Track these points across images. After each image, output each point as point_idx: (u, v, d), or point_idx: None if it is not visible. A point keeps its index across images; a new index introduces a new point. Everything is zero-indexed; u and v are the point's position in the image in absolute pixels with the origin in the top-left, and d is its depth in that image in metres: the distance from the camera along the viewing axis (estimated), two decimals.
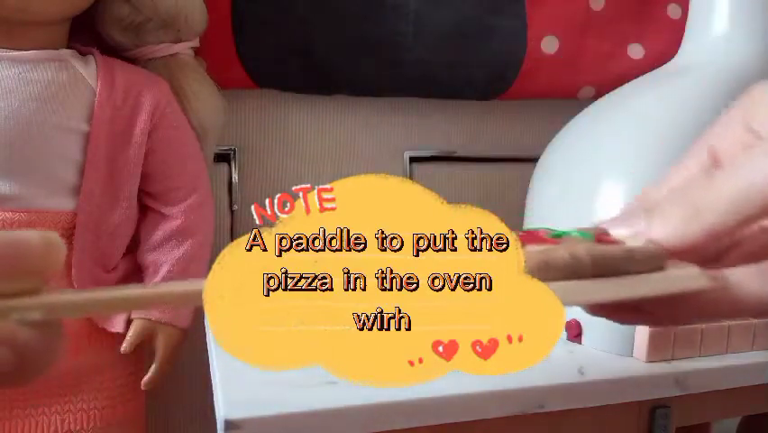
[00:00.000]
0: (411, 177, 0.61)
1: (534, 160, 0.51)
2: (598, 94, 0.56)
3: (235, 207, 0.57)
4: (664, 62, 0.49)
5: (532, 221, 0.49)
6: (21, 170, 0.42)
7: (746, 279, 0.22)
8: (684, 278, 0.21)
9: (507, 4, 0.57)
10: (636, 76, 0.50)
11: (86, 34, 0.48)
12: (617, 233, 0.24)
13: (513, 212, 0.53)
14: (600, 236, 0.22)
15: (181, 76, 0.49)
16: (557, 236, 0.22)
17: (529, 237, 0.21)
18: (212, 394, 0.35)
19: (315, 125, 0.58)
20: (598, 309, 0.24)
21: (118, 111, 0.45)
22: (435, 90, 0.58)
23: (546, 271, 0.19)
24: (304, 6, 0.53)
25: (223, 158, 0.56)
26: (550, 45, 0.58)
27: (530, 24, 0.57)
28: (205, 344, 0.42)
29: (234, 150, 0.57)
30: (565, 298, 0.19)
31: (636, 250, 0.21)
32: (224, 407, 0.31)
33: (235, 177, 0.57)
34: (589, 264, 0.19)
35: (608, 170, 0.42)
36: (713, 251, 0.23)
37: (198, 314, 0.49)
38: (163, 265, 0.46)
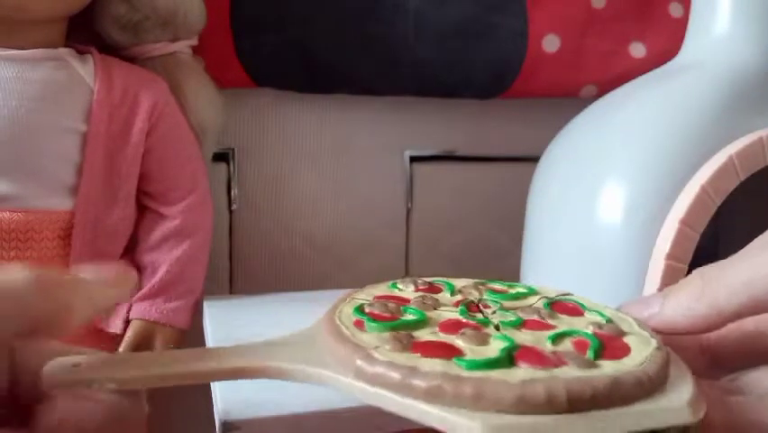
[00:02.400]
0: (411, 176, 0.61)
1: (535, 159, 0.51)
2: (600, 93, 0.56)
3: (234, 207, 0.57)
4: (666, 61, 0.49)
5: (533, 220, 0.49)
6: (18, 170, 0.42)
7: (750, 407, 0.21)
8: (669, 412, 0.20)
9: (507, 3, 0.56)
10: (638, 74, 0.49)
11: (84, 33, 0.48)
12: (633, 315, 0.24)
13: (514, 212, 0.53)
14: (608, 343, 0.22)
15: (180, 75, 0.49)
16: (558, 339, 0.22)
17: (527, 354, 0.21)
18: (211, 395, 0.34)
19: (314, 125, 0.58)
20: None
21: (116, 110, 0.45)
22: (436, 89, 0.58)
23: (521, 408, 0.19)
24: (303, 5, 0.53)
25: (221, 157, 0.56)
26: (551, 44, 0.57)
27: (531, 23, 0.57)
28: (204, 344, 0.42)
29: (233, 149, 0.56)
30: None
31: (624, 380, 0.20)
32: (223, 408, 0.31)
33: (234, 176, 0.56)
34: (565, 404, 0.19)
35: (610, 169, 0.42)
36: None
37: (197, 314, 0.48)
38: (161, 265, 0.46)
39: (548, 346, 0.22)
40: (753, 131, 0.41)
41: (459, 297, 0.27)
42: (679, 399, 0.20)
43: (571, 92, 0.60)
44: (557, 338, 0.22)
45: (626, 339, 0.23)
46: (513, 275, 0.51)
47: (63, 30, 0.46)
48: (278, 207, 0.58)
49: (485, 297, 0.27)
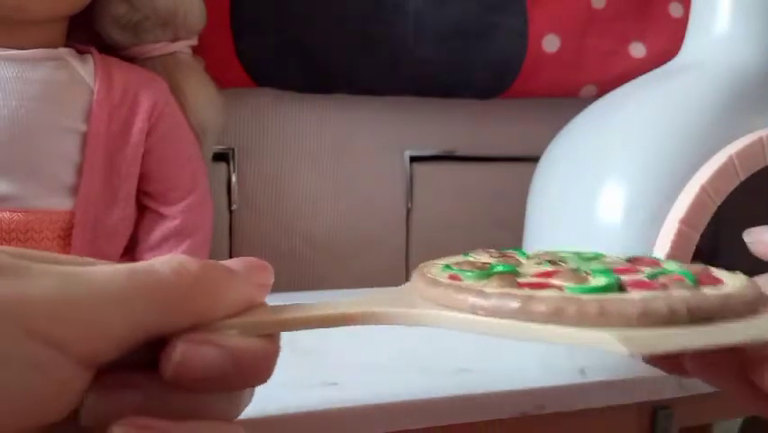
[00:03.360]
0: (411, 176, 0.61)
1: (535, 159, 0.51)
2: (600, 93, 0.56)
3: (234, 207, 0.57)
4: (666, 61, 0.49)
5: (533, 220, 0.49)
6: (18, 170, 0.42)
7: None
8: None
9: (507, 3, 0.56)
10: (638, 74, 0.50)
11: (84, 33, 0.48)
12: (746, 236, 0.25)
13: (514, 211, 0.53)
14: (702, 276, 0.23)
15: (180, 75, 0.49)
16: (655, 277, 0.22)
17: (635, 283, 0.21)
18: None
19: (314, 125, 0.58)
20: (696, 363, 0.24)
21: (116, 110, 0.45)
22: (436, 89, 0.58)
23: (645, 321, 0.19)
24: (303, 5, 0.53)
25: (221, 157, 0.56)
26: (551, 44, 0.57)
27: (531, 23, 0.57)
28: None
29: (233, 149, 0.56)
30: (659, 345, 0.19)
31: (733, 296, 0.21)
32: None
33: (234, 176, 0.56)
34: (686, 316, 0.20)
35: (610, 169, 0.42)
36: None
37: None
38: None
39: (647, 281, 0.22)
40: (753, 131, 0.41)
41: (536, 259, 0.27)
42: None
43: (571, 92, 0.60)
44: (653, 276, 0.23)
45: (715, 274, 0.24)
46: None
47: (63, 30, 0.46)
48: (279, 207, 0.58)
49: (561, 256, 0.27)
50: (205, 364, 0.18)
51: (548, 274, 0.23)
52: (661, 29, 0.59)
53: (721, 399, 0.40)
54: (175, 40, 0.49)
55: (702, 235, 0.39)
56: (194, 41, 0.50)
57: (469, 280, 0.22)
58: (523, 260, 0.27)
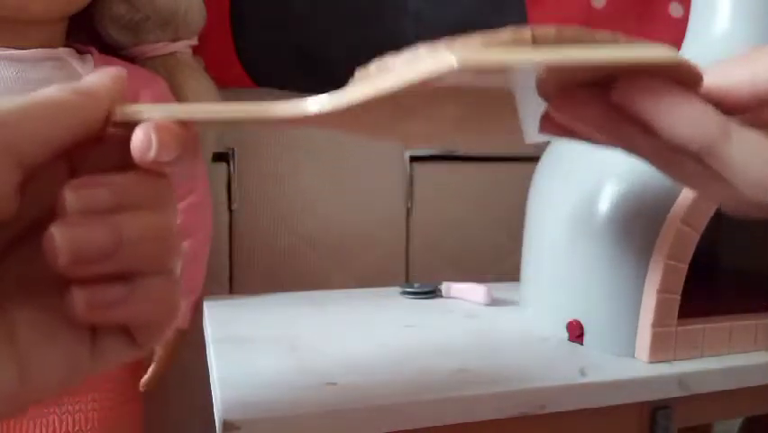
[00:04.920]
0: (411, 176, 0.61)
1: (535, 159, 0.51)
2: None
3: (234, 207, 0.57)
4: None
5: (533, 220, 0.49)
6: None
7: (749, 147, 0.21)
8: (645, 51, 0.19)
9: (507, 3, 0.56)
10: None
11: (84, 33, 0.48)
12: None
13: (514, 211, 0.53)
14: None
15: (179, 75, 0.49)
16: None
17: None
18: (210, 395, 0.34)
19: None
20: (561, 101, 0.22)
21: None
22: None
23: (488, 47, 0.19)
24: (303, 5, 0.53)
25: (222, 157, 0.56)
26: None
27: (531, 23, 0.57)
28: (203, 344, 0.42)
29: (233, 149, 0.56)
30: (487, 58, 0.18)
31: (597, 32, 0.19)
32: (223, 407, 0.31)
33: (234, 176, 0.56)
34: (530, 40, 0.19)
35: (611, 170, 0.42)
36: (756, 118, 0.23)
37: (197, 314, 0.48)
38: None
39: None
40: None
41: None
42: (657, 48, 0.20)
43: None
44: None
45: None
46: (513, 274, 0.51)
47: (63, 30, 0.46)
48: (278, 207, 0.58)
49: None
50: (175, 138, 0.20)
51: None
52: (661, 29, 0.59)
53: (721, 399, 0.40)
54: (175, 40, 0.49)
55: (702, 235, 0.39)
56: (194, 41, 0.50)
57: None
58: None
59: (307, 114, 0.22)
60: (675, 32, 0.54)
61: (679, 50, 0.49)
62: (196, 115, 0.22)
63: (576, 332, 0.42)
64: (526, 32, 0.19)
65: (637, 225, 0.40)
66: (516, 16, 0.56)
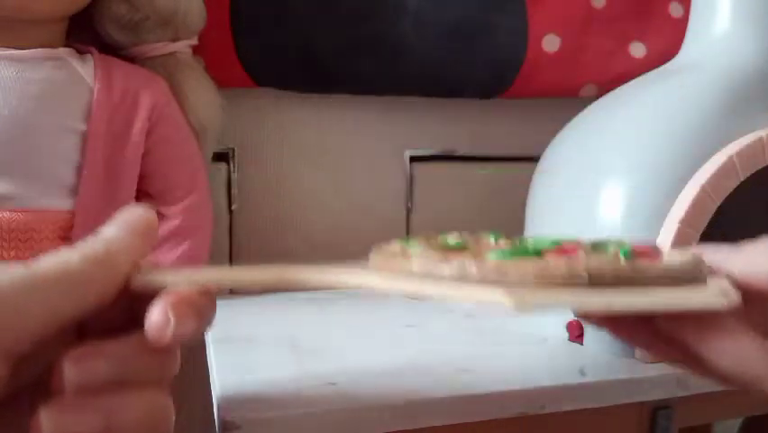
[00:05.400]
0: (411, 176, 0.61)
1: (535, 158, 0.51)
2: (600, 92, 0.56)
3: (234, 207, 0.57)
4: (666, 61, 0.49)
5: (533, 220, 0.49)
6: (19, 170, 0.42)
7: None
8: (693, 295, 0.20)
9: (507, 3, 0.56)
10: (638, 74, 0.49)
11: (84, 33, 0.48)
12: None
13: (514, 211, 0.53)
14: (640, 252, 0.22)
15: (179, 75, 0.49)
16: (595, 245, 0.22)
17: (561, 251, 0.21)
18: (210, 395, 0.34)
19: (314, 124, 0.58)
20: (605, 323, 0.23)
21: (116, 110, 0.45)
22: (436, 89, 0.58)
23: (543, 281, 0.19)
24: (303, 4, 0.53)
25: (221, 157, 0.56)
26: (551, 43, 0.57)
27: (531, 23, 0.57)
28: (204, 344, 0.42)
29: (233, 149, 0.56)
30: (546, 302, 0.19)
31: (649, 266, 0.20)
32: (223, 407, 0.31)
33: (234, 176, 0.56)
34: (586, 279, 0.19)
35: (610, 170, 0.42)
36: None
37: None
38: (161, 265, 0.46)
39: (587, 247, 0.22)
40: (753, 130, 0.41)
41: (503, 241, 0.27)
42: (709, 289, 0.20)
43: (571, 92, 0.60)
44: (598, 246, 0.22)
45: (664, 253, 0.23)
46: None
47: (63, 30, 0.46)
48: (279, 207, 0.58)
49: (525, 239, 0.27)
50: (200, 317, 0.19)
51: (490, 246, 0.23)
52: (661, 29, 0.59)
53: (721, 399, 0.40)
54: (175, 39, 0.49)
55: (702, 235, 0.39)
56: (194, 41, 0.50)
57: (414, 249, 0.22)
58: (491, 241, 0.27)
59: (346, 284, 0.22)
60: (675, 32, 0.54)
61: (678, 50, 0.49)
62: (225, 281, 0.22)
63: (576, 332, 0.42)
64: (582, 269, 0.19)
65: (637, 225, 0.40)
66: (516, 16, 0.56)
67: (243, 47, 0.53)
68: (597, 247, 0.22)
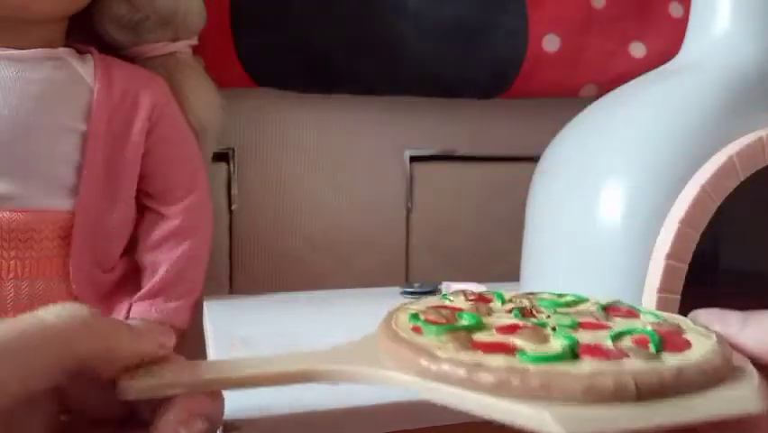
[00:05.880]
0: (411, 176, 0.61)
1: (535, 158, 0.51)
2: (600, 92, 0.56)
3: (234, 207, 0.57)
4: (666, 61, 0.49)
5: (533, 220, 0.49)
6: (18, 170, 0.42)
7: None
8: (736, 400, 0.20)
9: (508, 3, 0.57)
10: (638, 74, 0.50)
11: (84, 33, 0.48)
12: (706, 321, 0.24)
13: (514, 211, 0.53)
14: (668, 338, 0.22)
15: (180, 75, 0.49)
16: (619, 337, 0.22)
17: (590, 350, 0.21)
18: None
19: (314, 124, 0.58)
20: None
21: (116, 110, 0.45)
22: (436, 89, 0.58)
23: (590, 398, 0.19)
24: (303, 5, 0.53)
25: (221, 157, 0.56)
26: (551, 43, 0.58)
27: (531, 23, 0.57)
28: (204, 344, 0.42)
29: (233, 149, 0.57)
30: (598, 426, 0.18)
31: (688, 369, 0.20)
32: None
33: (234, 176, 0.57)
34: (634, 393, 0.19)
35: (610, 170, 0.42)
36: None
37: (197, 314, 0.48)
38: (161, 265, 0.46)
39: (609, 344, 0.22)
40: (753, 130, 0.41)
41: (510, 305, 0.27)
42: (745, 388, 0.20)
43: (571, 92, 0.60)
44: (617, 337, 0.23)
45: (686, 335, 0.23)
46: (513, 275, 0.51)
47: (63, 30, 0.46)
48: (279, 207, 0.58)
49: (536, 303, 0.27)
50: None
51: (513, 328, 0.23)
52: (661, 29, 0.59)
53: None
54: (175, 40, 0.49)
55: (702, 235, 0.39)
56: (194, 41, 0.50)
57: (428, 335, 0.22)
58: (498, 305, 0.27)
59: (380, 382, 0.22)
60: (675, 32, 0.54)
61: (678, 50, 0.49)
62: (237, 381, 0.22)
63: None
64: (629, 381, 0.19)
65: (637, 225, 0.40)
66: (516, 16, 0.57)
67: (243, 47, 0.53)
68: (618, 338, 0.22)
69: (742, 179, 0.40)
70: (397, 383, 0.21)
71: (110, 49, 0.48)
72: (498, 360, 0.20)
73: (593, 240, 0.42)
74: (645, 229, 0.39)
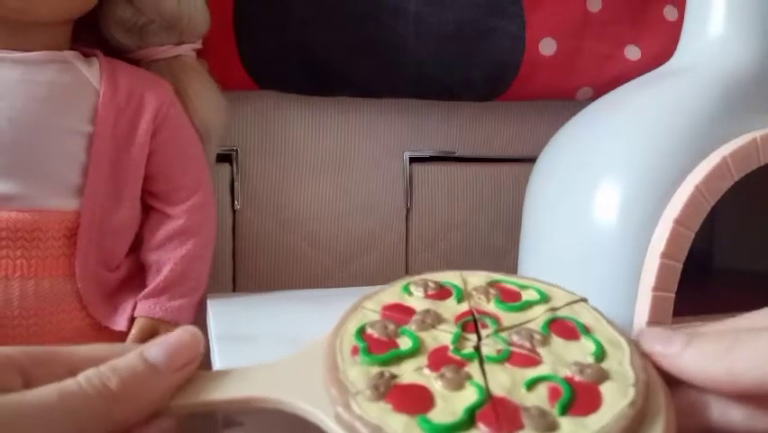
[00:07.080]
0: (411, 177, 0.61)
1: (532, 160, 0.52)
2: (596, 95, 0.57)
3: (237, 207, 0.57)
4: (661, 64, 0.50)
5: (529, 221, 0.49)
6: (25, 171, 0.43)
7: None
8: None
9: (506, 7, 0.57)
10: (633, 77, 0.50)
11: (89, 36, 0.48)
12: (650, 347, 0.25)
13: (512, 212, 0.54)
14: (581, 392, 0.23)
15: (184, 77, 0.49)
16: (532, 385, 0.23)
17: (488, 415, 0.22)
18: None
19: (315, 126, 0.59)
20: None
21: (121, 112, 0.45)
22: (435, 91, 0.59)
23: None
24: (305, 8, 0.54)
25: (224, 158, 0.57)
26: (548, 47, 0.58)
27: (528, 26, 0.57)
28: (207, 340, 0.43)
29: (236, 150, 0.57)
30: None
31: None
32: None
33: (237, 177, 0.57)
34: None
35: (606, 171, 0.43)
36: (734, 396, 0.23)
37: (201, 312, 0.49)
38: (166, 264, 0.47)
39: (522, 393, 0.23)
40: (746, 132, 0.41)
41: (464, 306, 0.28)
42: None
43: (568, 94, 0.60)
44: (533, 384, 0.23)
45: (604, 387, 0.23)
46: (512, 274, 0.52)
47: (69, 32, 0.46)
48: (281, 207, 0.58)
49: (490, 307, 0.28)
50: None
51: (441, 362, 0.25)
52: (656, 32, 0.60)
53: None
54: (179, 43, 0.49)
55: (697, 234, 0.40)
56: (198, 45, 0.51)
57: (362, 364, 0.24)
58: (452, 305, 0.29)
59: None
60: (670, 36, 0.55)
61: (672, 53, 0.50)
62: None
63: None
64: None
65: (632, 226, 0.40)
66: (513, 20, 0.57)
67: (246, 51, 0.53)
68: (533, 385, 0.23)
69: (736, 180, 0.40)
70: (319, 421, 0.23)
71: (115, 52, 0.49)
72: (399, 423, 0.21)
73: (589, 240, 0.42)
74: (640, 229, 0.40)
